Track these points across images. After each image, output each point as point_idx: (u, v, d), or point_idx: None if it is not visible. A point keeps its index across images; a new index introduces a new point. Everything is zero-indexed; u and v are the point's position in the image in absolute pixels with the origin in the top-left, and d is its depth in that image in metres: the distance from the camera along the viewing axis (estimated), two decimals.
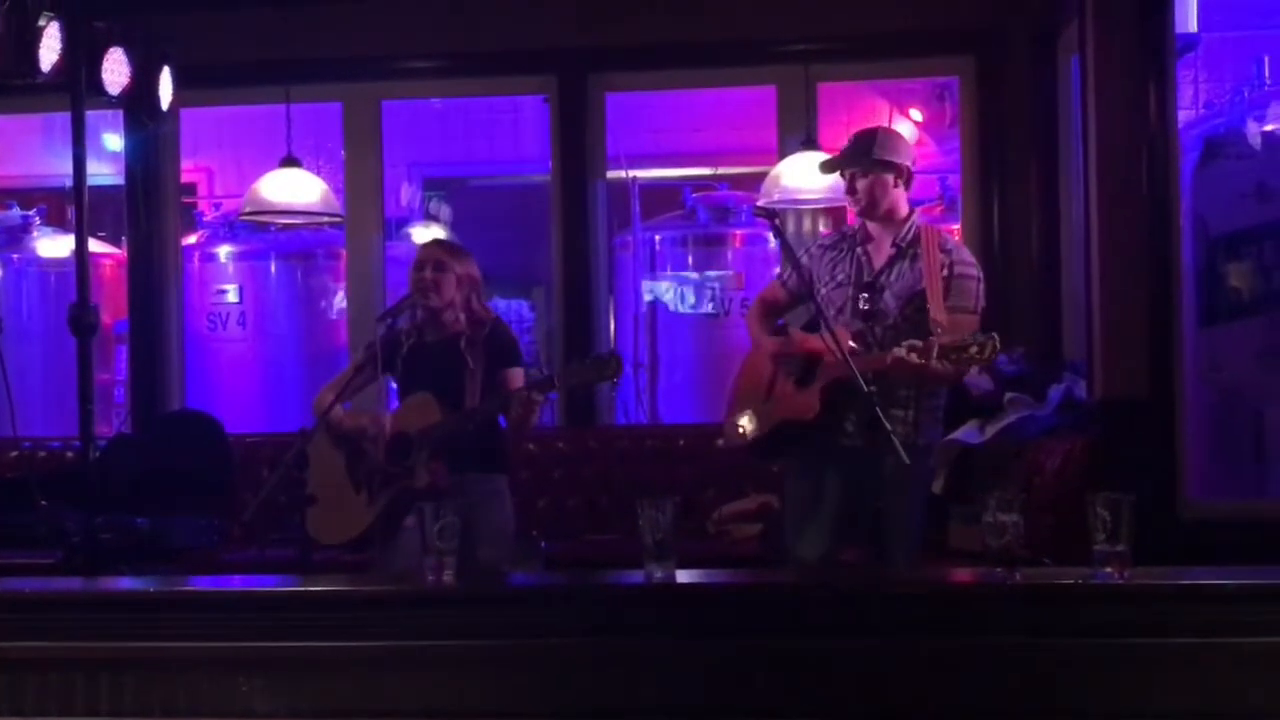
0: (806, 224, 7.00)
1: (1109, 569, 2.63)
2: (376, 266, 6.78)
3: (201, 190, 8.29)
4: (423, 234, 8.20)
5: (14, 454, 6.08)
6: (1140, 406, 4.84)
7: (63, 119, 5.12)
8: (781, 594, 2.82)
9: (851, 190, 3.99)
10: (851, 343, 3.78)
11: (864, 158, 3.97)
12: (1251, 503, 5.21)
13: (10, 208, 7.46)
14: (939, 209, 7.31)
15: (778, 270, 5.48)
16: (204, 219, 7.84)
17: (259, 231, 7.22)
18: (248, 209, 6.62)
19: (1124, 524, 2.63)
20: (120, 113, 6.19)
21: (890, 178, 3.98)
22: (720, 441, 4.20)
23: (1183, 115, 5.19)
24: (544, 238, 6.74)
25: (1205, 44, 5.74)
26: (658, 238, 7.20)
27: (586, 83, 6.48)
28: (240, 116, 7.60)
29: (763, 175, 6.38)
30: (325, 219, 6.79)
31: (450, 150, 8.48)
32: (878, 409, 3.58)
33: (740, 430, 4.05)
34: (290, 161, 6.51)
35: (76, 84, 4.76)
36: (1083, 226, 5.24)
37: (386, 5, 6.39)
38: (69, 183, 5.07)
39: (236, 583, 3.54)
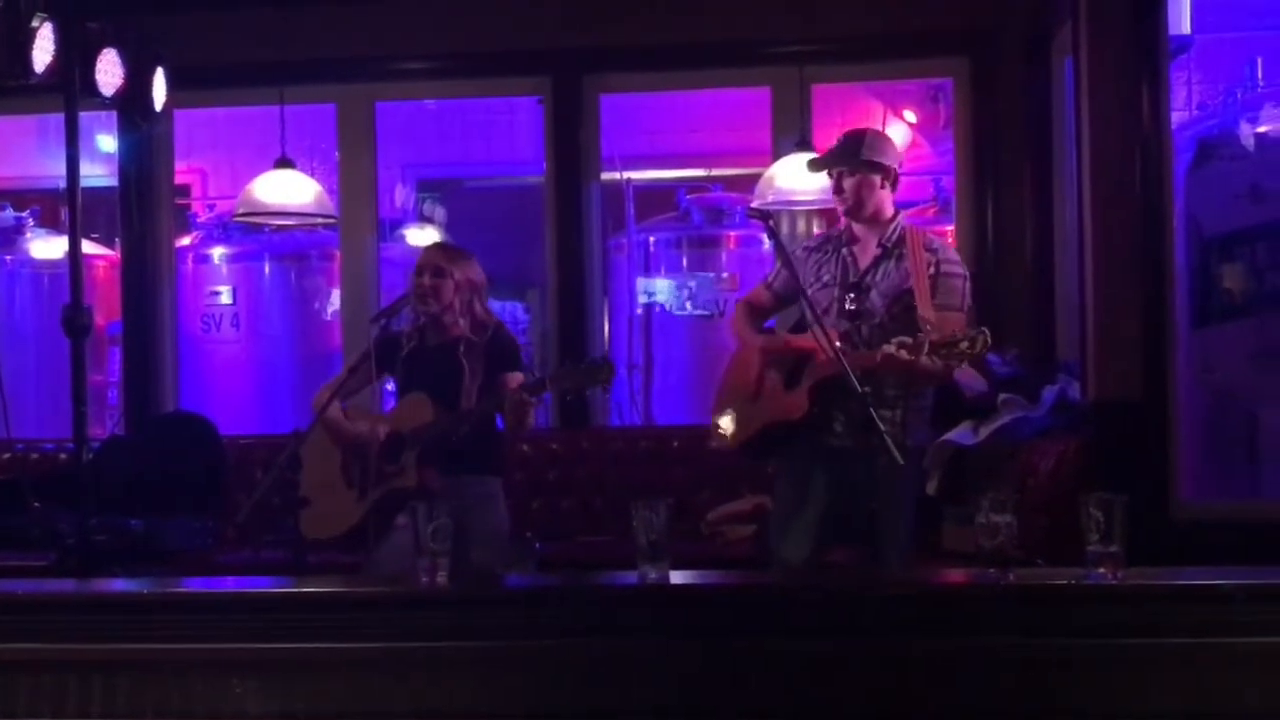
0: (800, 225, 7.00)
1: (1102, 570, 2.63)
2: (370, 268, 6.78)
3: (195, 191, 8.29)
4: (417, 235, 8.21)
5: (7, 456, 6.07)
6: (1134, 408, 4.84)
7: (56, 120, 5.10)
8: (776, 595, 2.82)
9: (839, 189, 4.02)
10: (838, 343, 3.79)
11: (852, 157, 4.00)
12: (1245, 504, 5.21)
13: (3, 209, 7.45)
14: (933, 210, 7.32)
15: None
16: (198, 220, 7.84)
17: (253, 233, 7.21)
18: (241, 210, 6.62)
19: (1117, 525, 2.63)
20: (114, 114, 6.19)
21: (877, 178, 4.01)
22: (712, 443, 4.21)
23: (1176, 117, 5.19)
24: (538, 239, 6.74)
25: (1198, 45, 5.74)
26: (652, 239, 7.20)
27: (581, 84, 6.48)
28: (234, 118, 7.59)
29: (757, 177, 6.39)
30: (319, 220, 6.79)
31: (445, 151, 8.48)
32: (871, 410, 3.58)
33: (720, 431, 4.06)
34: (284, 163, 6.50)
35: (70, 85, 4.75)
36: (1076, 228, 5.25)
37: (381, 6, 6.39)
38: (62, 184, 5.07)
39: (230, 584, 3.54)
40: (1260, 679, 2.53)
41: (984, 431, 5.14)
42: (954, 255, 4.06)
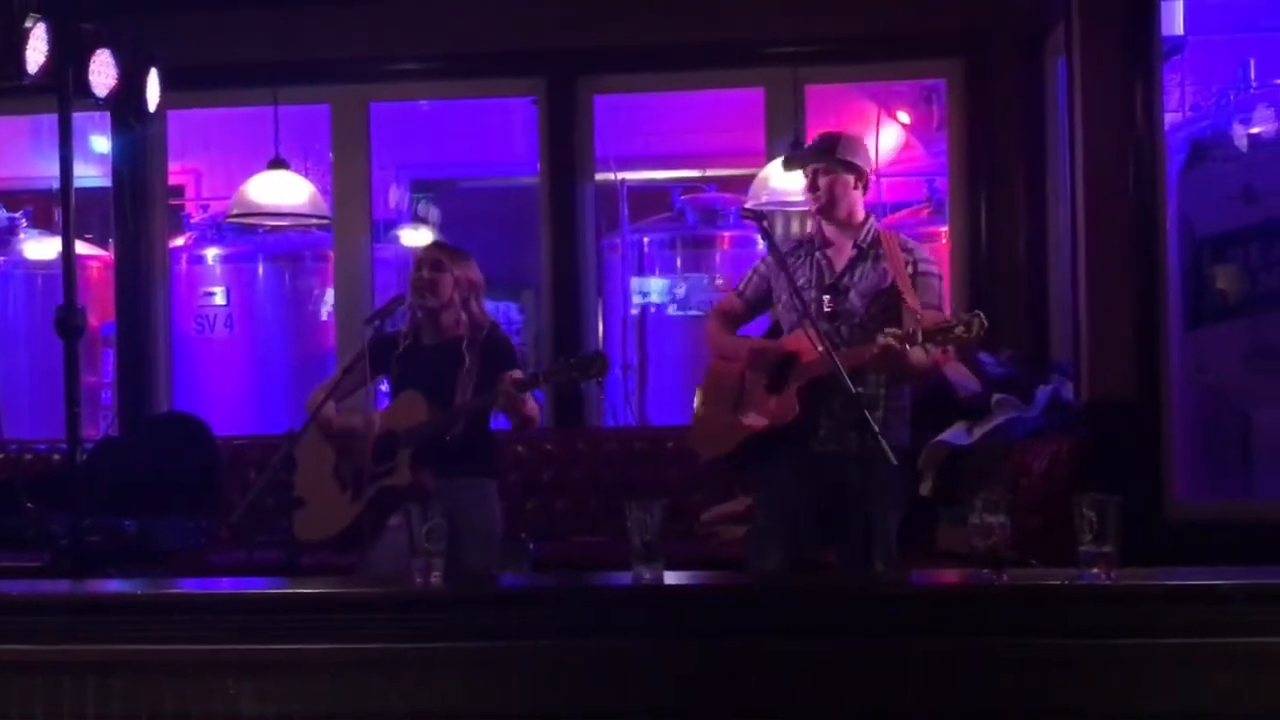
0: (795, 226, 7.02)
1: (1096, 570, 2.64)
2: (364, 269, 6.77)
3: (189, 192, 8.28)
4: (411, 236, 8.21)
5: (1, 457, 6.06)
6: (1127, 408, 4.86)
7: (49, 121, 5.10)
8: (770, 596, 2.83)
9: (813, 188, 4.04)
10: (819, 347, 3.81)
11: (828, 156, 4.01)
12: (1238, 504, 5.22)
13: None
14: (927, 211, 7.32)
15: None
16: (191, 221, 7.82)
17: (246, 233, 7.21)
18: (235, 211, 6.61)
19: (1110, 525, 2.64)
20: (107, 114, 6.18)
21: (851, 179, 4.04)
22: (701, 458, 4.20)
23: (1169, 118, 5.21)
24: (533, 240, 6.74)
25: (1191, 47, 5.75)
26: (646, 240, 7.20)
27: (575, 85, 6.48)
28: (228, 118, 7.58)
29: (751, 177, 6.39)
30: (313, 221, 6.78)
31: (439, 152, 8.48)
32: (865, 411, 3.58)
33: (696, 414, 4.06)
34: (278, 163, 6.50)
35: (63, 86, 4.74)
36: (1069, 228, 5.25)
37: (375, 7, 6.38)
38: (56, 185, 5.06)
39: (224, 585, 3.53)
40: (1254, 679, 2.54)
41: (978, 432, 5.14)
42: (929, 255, 4.10)
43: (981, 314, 3.65)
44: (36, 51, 4.61)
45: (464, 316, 4.30)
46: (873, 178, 4.18)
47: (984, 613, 2.64)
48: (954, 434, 5.17)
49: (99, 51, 4.90)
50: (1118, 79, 4.91)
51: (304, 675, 2.66)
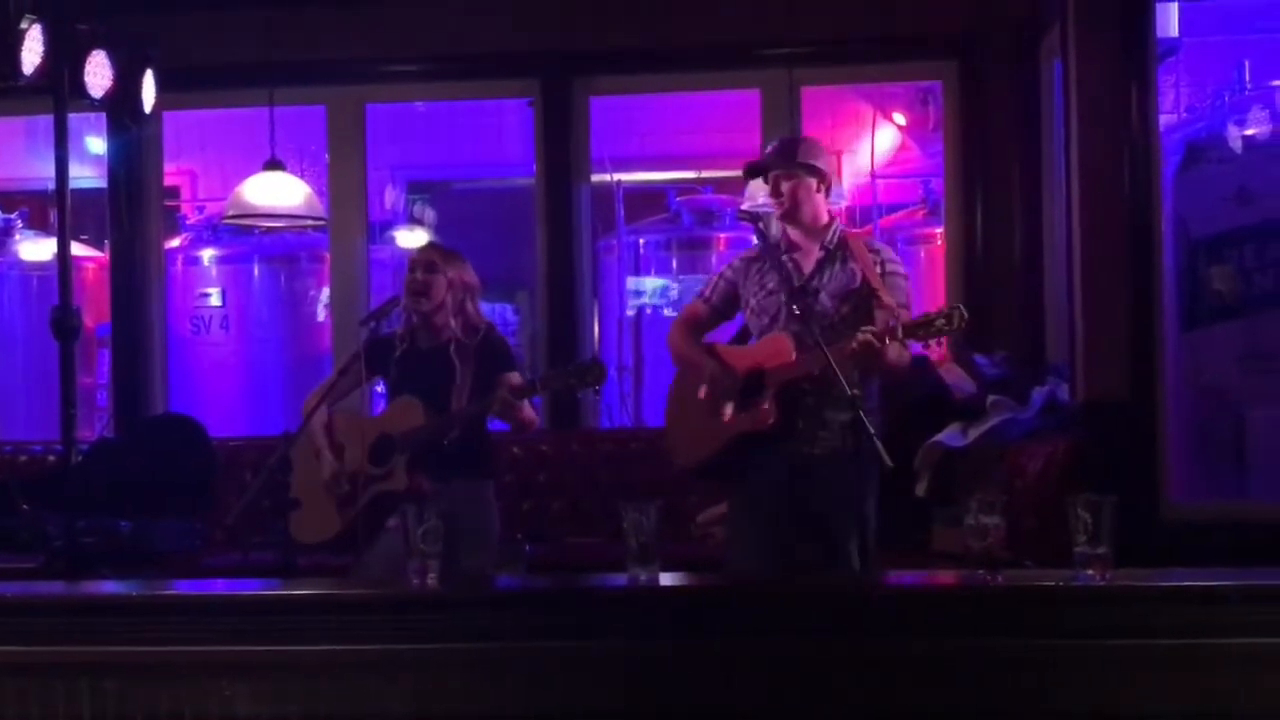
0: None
1: (1090, 571, 2.64)
2: (360, 270, 6.77)
3: (184, 193, 8.28)
4: (407, 237, 8.21)
5: None
6: (1122, 409, 4.86)
7: (45, 122, 5.11)
8: (766, 597, 2.83)
9: (776, 193, 4.02)
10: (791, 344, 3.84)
11: (789, 160, 4.00)
12: (1233, 504, 5.23)
13: None
14: (922, 212, 7.33)
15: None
16: (187, 222, 7.83)
17: (242, 235, 7.21)
18: (231, 212, 6.61)
19: (1105, 526, 2.64)
20: (103, 115, 6.17)
21: (813, 182, 4.03)
22: (678, 466, 4.18)
23: (1164, 119, 5.21)
24: (528, 241, 6.74)
25: (1186, 49, 5.76)
26: (642, 241, 7.21)
27: (571, 86, 6.48)
28: (223, 119, 7.58)
29: (747, 179, 6.38)
30: (309, 222, 6.78)
31: (434, 153, 8.48)
32: (861, 412, 3.58)
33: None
34: (274, 164, 6.49)
35: (59, 87, 4.75)
36: (1065, 230, 5.26)
37: (370, 8, 6.39)
38: (51, 186, 5.06)
39: (219, 586, 3.53)
40: (1250, 679, 2.54)
41: (973, 433, 5.15)
42: (895, 255, 4.10)
43: (962, 306, 3.66)
44: (32, 52, 4.61)
45: (459, 319, 4.28)
46: (831, 179, 4.17)
47: (979, 613, 2.64)
48: (949, 435, 5.18)
49: (94, 52, 4.91)
50: (1113, 81, 4.92)
51: (299, 676, 2.65)
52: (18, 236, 7.44)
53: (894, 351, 3.72)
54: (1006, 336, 5.98)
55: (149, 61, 5.28)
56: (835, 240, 4.02)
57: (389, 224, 8.22)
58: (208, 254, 7.27)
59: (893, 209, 7.67)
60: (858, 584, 3.00)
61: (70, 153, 4.82)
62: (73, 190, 4.83)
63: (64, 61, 4.74)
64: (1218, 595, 2.59)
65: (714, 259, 6.99)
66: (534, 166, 6.63)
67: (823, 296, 3.93)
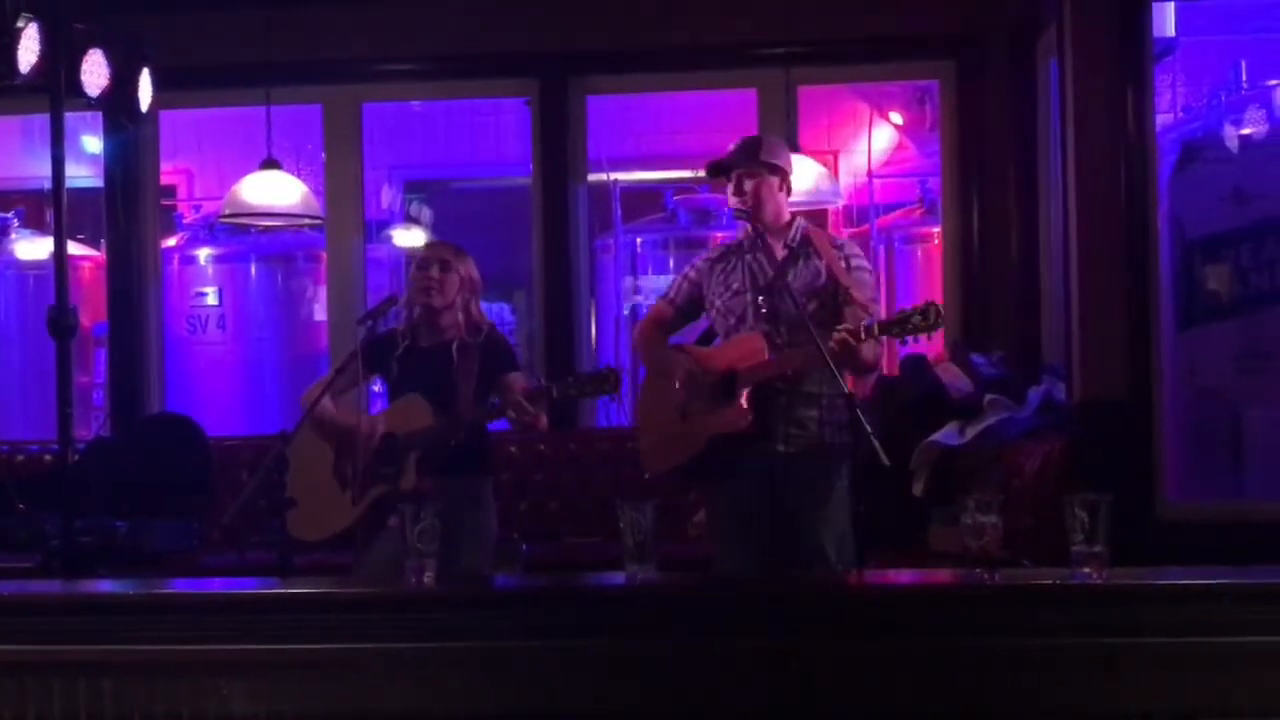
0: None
1: (1087, 569, 2.64)
2: (357, 269, 6.77)
3: (181, 192, 8.27)
4: (403, 237, 8.21)
5: None
6: (1119, 408, 4.87)
7: (41, 121, 5.10)
8: (764, 596, 2.83)
9: (739, 191, 4.02)
10: (761, 344, 3.85)
11: (752, 158, 4.00)
12: (1229, 504, 5.24)
13: None
14: (919, 212, 7.34)
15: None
16: (183, 221, 7.82)
17: (239, 234, 7.20)
18: (227, 211, 6.60)
19: (1101, 524, 2.64)
20: (99, 114, 6.17)
21: (775, 180, 4.03)
22: (646, 475, 4.15)
23: (1160, 119, 5.22)
24: (525, 240, 6.74)
25: (1183, 48, 5.77)
26: (639, 240, 7.21)
27: (568, 86, 6.48)
28: (220, 118, 7.58)
29: None
30: (305, 221, 6.77)
31: (431, 153, 8.48)
32: (857, 410, 3.58)
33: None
34: (270, 163, 6.49)
35: (55, 86, 4.74)
36: (1061, 229, 5.27)
37: (367, 7, 6.38)
38: (48, 185, 5.05)
39: (216, 585, 3.53)
40: (1244, 679, 2.54)
41: (970, 432, 5.15)
42: (859, 250, 4.11)
43: (938, 303, 3.67)
44: (28, 51, 4.60)
45: (463, 317, 4.28)
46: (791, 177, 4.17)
47: (976, 612, 2.64)
48: (946, 434, 5.18)
49: (91, 51, 4.90)
50: (1109, 80, 4.92)
51: (297, 676, 2.65)
52: (14, 236, 7.43)
53: (869, 349, 3.73)
54: (1003, 336, 5.99)
55: (145, 60, 5.27)
56: (798, 238, 4.02)
57: (386, 223, 8.22)
58: (204, 253, 7.27)
59: (890, 208, 7.68)
60: (856, 583, 3.00)
61: (67, 152, 4.81)
62: (69, 189, 4.81)
63: (60, 60, 4.73)
64: (1214, 594, 2.59)
65: None
66: (531, 166, 6.63)
67: (789, 295, 3.93)
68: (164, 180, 7.23)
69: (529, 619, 2.68)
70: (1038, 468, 4.73)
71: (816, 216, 7.30)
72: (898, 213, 7.56)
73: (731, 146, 4.11)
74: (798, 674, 2.60)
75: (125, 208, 6.50)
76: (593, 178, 6.77)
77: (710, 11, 6.24)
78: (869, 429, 3.57)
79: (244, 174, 6.58)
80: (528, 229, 6.65)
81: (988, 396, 5.28)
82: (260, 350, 7.16)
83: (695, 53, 6.36)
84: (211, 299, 7.15)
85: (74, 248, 6.48)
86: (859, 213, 7.84)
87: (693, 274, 4.16)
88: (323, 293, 7.00)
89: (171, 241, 7.37)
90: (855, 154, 7.95)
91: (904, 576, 3.40)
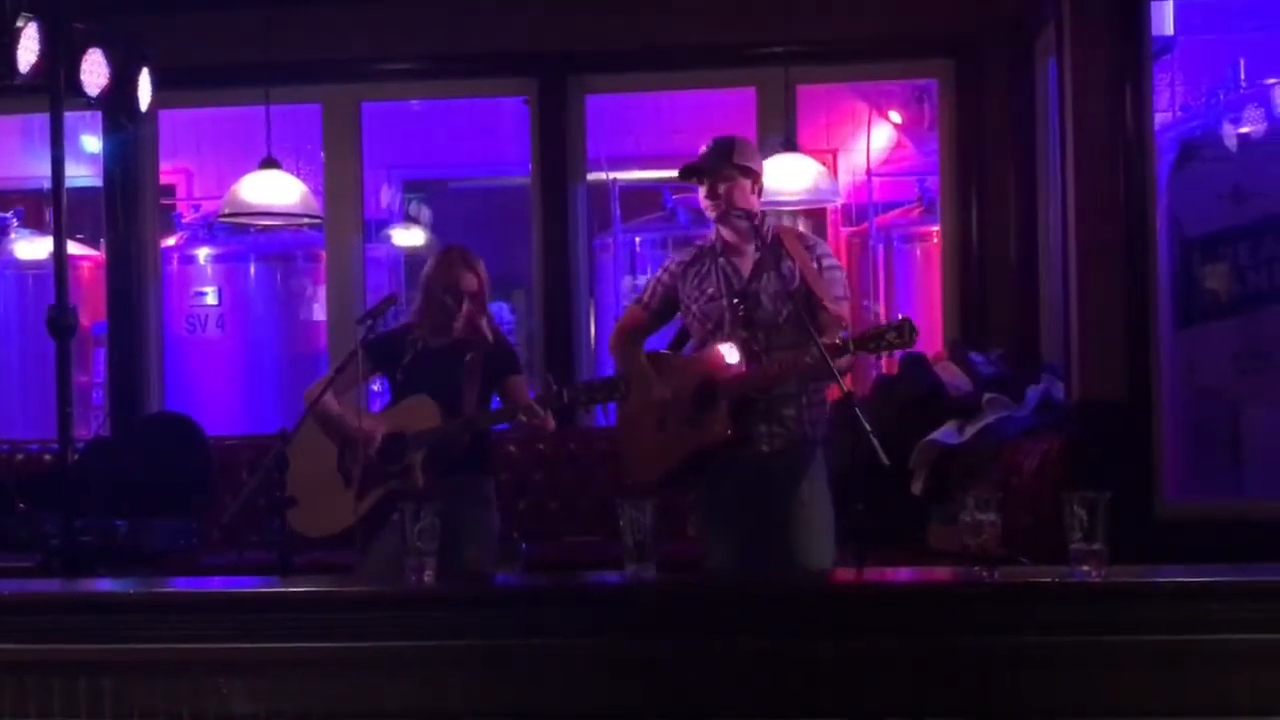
0: (786, 225, 7.01)
1: (1085, 568, 2.65)
2: (356, 268, 6.77)
3: (180, 192, 8.27)
4: (402, 236, 8.21)
5: None
6: (1118, 407, 4.87)
7: (41, 120, 5.10)
8: (762, 596, 2.83)
9: (713, 194, 4.00)
10: (737, 354, 3.84)
11: (727, 162, 3.99)
12: (1228, 502, 5.24)
13: None
14: (918, 211, 7.34)
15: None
16: (183, 221, 7.82)
17: (238, 233, 7.20)
18: (227, 211, 6.60)
19: (1100, 523, 2.65)
20: (99, 114, 6.17)
21: (748, 183, 4.02)
22: (633, 483, 4.14)
23: (1159, 118, 5.22)
24: (524, 240, 6.75)
25: (1181, 47, 5.77)
26: (638, 239, 7.21)
27: (567, 85, 6.48)
28: (219, 118, 7.58)
29: None
30: (305, 221, 6.77)
31: (430, 152, 8.48)
32: (856, 409, 3.58)
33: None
34: (269, 163, 6.48)
35: (55, 85, 4.74)
36: (1060, 228, 5.27)
37: (366, 7, 6.39)
38: (47, 184, 5.06)
39: (216, 584, 3.53)
40: (1243, 676, 2.55)
41: (969, 431, 5.16)
42: (829, 248, 4.12)
43: (911, 319, 3.67)
44: (28, 51, 4.61)
45: (472, 320, 4.28)
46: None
47: (975, 610, 2.65)
48: (945, 433, 5.19)
49: (90, 51, 4.90)
50: (1108, 79, 4.93)
51: (296, 674, 2.66)
52: (13, 235, 7.44)
53: (844, 361, 3.73)
54: (1002, 334, 6.00)
55: (145, 60, 5.27)
56: (768, 241, 4.00)
57: (385, 223, 8.23)
58: (204, 253, 7.27)
59: (888, 207, 7.68)
60: (856, 582, 3.01)
61: (66, 151, 4.81)
62: (68, 189, 4.81)
63: (60, 60, 4.73)
64: (1212, 592, 2.59)
65: None
66: (530, 165, 6.64)
67: (764, 299, 3.93)
68: (163, 180, 7.24)
69: (529, 618, 2.69)
70: (1036, 466, 4.73)
71: (816, 215, 7.33)
72: (896, 211, 7.57)
73: (703, 149, 4.09)
74: (798, 674, 2.61)
75: (125, 207, 6.50)
76: (592, 177, 6.77)
77: (709, 11, 6.24)
78: (868, 427, 3.57)
79: (243, 173, 6.58)
80: (527, 228, 6.66)
81: (986, 395, 5.29)
82: (259, 350, 7.16)
83: (694, 52, 6.36)
84: (211, 298, 7.15)
85: (73, 247, 6.48)
86: (858, 211, 7.84)
87: (666, 277, 4.14)
88: (322, 292, 7.01)
89: (171, 241, 7.37)
90: (854, 153, 7.95)
91: (903, 575, 3.41)
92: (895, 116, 8.01)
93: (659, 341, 4.25)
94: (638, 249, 7.18)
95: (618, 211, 7.48)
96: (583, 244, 6.61)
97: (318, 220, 6.74)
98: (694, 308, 4.02)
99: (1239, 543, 3.55)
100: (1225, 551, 3.00)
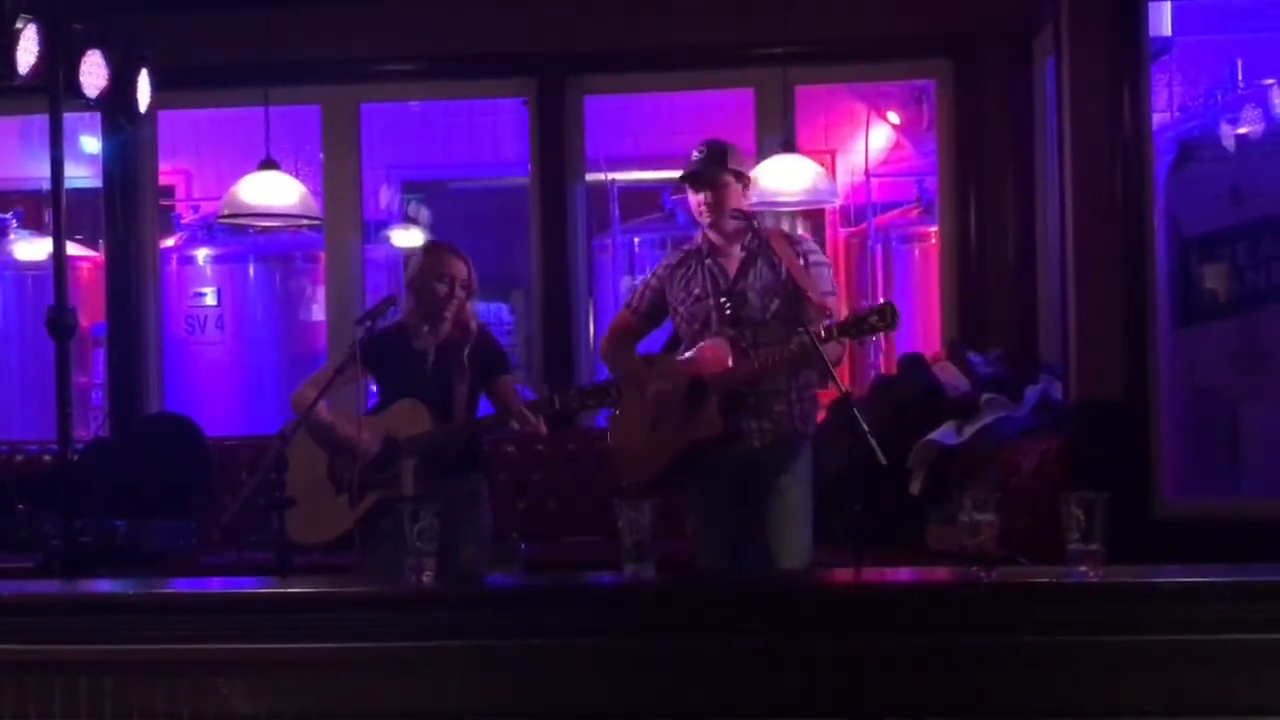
0: (785, 226, 7.01)
1: (1084, 568, 2.65)
2: (355, 269, 6.77)
3: (179, 193, 8.27)
4: (402, 237, 8.21)
5: None
6: (1116, 407, 4.87)
7: (40, 121, 5.10)
8: (761, 595, 2.84)
9: (712, 201, 4.04)
10: (727, 346, 3.87)
11: (722, 168, 4.03)
12: (1226, 502, 5.24)
13: None
14: (916, 211, 7.35)
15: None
16: (182, 222, 7.82)
17: (237, 234, 7.20)
18: (226, 212, 6.59)
19: (1098, 523, 2.65)
20: (98, 115, 6.17)
21: (740, 187, 4.06)
22: (626, 484, 4.16)
23: (1157, 118, 5.23)
24: (523, 240, 6.75)
25: (1179, 47, 5.78)
26: (637, 240, 7.21)
27: (565, 86, 6.49)
28: (219, 119, 7.58)
29: None
30: (304, 222, 6.76)
31: (429, 153, 8.48)
32: (854, 409, 3.58)
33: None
34: (269, 164, 6.48)
35: (54, 86, 4.74)
36: (1058, 228, 5.27)
37: (366, 8, 6.39)
38: (46, 185, 5.06)
39: (215, 585, 3.54)
40: (1242, 676, 2.55)
41: (967, 431, 5.16)
42: (814, 245, 4.17)
43: (893, 303, 3.71)
44: (27, 52, 4.61)
45: (460, 321, 4.29)
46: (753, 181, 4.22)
47: (973, 610, 2.65)
48: (943, 433, 5.19)
49: (90, 52, 4.91)
50: (1106, 79, 4.93)
51: (296, 675, 2.66)
52: (13, 236, 7.43)
53: (832, 350, 3.75)
54: (1000, 335, 6.00)
55: (144, 61, 5.27)
56: (755, 240, 4.02)
57: (384, 223, 8.23)
58: (203, 253, 7.27)
59: (887, 208, 7.68)
60: (849, 582, 3.01)
61: (65, 152, 4.82)
62: (68, 190, 4.82)
63: (59, 61, 4.74)
64: (1211, 592, 2.60)
65: None
66: (529, 166, 6.64)
67: (751, 297, 3.95)
68: (162, 180, 7.23)
69: (528, 618, 2.69)
70: (1035, 466, 4.73)
71: (814, 215, 7.33)
72: (895, 212, 7.57)
73: (697, 154, 4.11)
74: (796, 673, 2.61)
75: (124, 208, 6.51)
76: (590, 178, 6.77)
77: (708, 11, 6.24)
78: (866, 428, 3.58)
79: (242, 174, 6.58)
80: (526, 229, 6.66)
81: (985, 395, 5.29)
82: (259, 350, 7.16)
83: (693, 53, 6.37)
84: (210, 299, 7.15)
85: (73, 248, 6.48)
86: (856, 212, 7.84)
87: (654, 281, 4.18)
88: (321, 293, 7.01)
89: (170, 242, 7.37)
90: (852, 153, 7.95)
91: (902, 575, 3.41)
92: (894, 117, 8.02)
93: (651, 346, 4.28)
94: (636, 249, 7.18)
95: (616, 212, 7.48)
96: (581, 244, 6.61)
97: (317, 221, 6.74)
98: (681, 309, 4.06)
99: (1237, 542, 3.56)
100: (1224, 551, 3.00)
